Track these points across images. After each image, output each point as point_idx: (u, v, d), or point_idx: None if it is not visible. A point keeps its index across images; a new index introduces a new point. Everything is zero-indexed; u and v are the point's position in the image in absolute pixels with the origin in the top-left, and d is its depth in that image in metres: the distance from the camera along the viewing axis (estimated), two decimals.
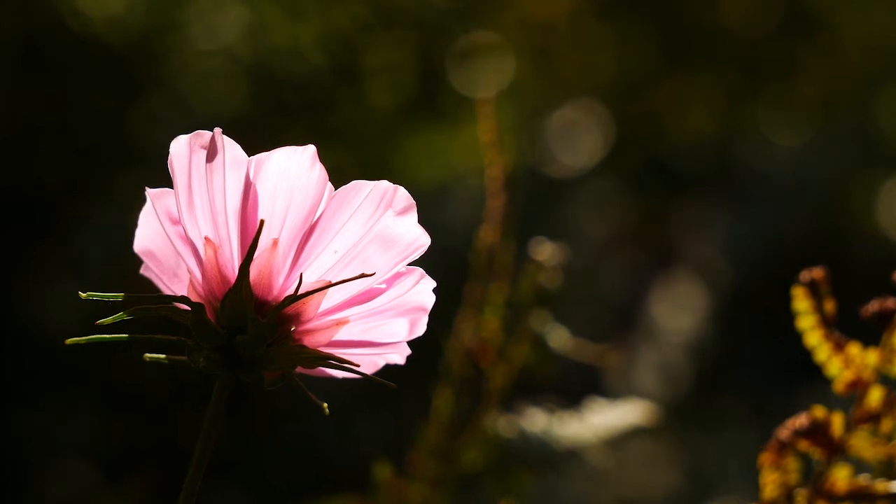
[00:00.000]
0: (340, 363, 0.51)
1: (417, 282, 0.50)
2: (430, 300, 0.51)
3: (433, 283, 0.51)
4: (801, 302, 0.63)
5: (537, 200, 2.09)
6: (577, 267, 2.03)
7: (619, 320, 2.01)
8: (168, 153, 0.50)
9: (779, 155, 2.20)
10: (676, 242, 2.13)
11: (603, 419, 0.82)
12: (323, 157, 0.50)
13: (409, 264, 0.51)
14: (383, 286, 0.50)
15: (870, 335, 0.63)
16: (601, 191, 2.19)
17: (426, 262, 0.51)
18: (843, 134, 2.22)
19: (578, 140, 2.19)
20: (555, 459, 0.79)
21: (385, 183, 0.50)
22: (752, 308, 1.88)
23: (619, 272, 2.14)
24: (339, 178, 0.51)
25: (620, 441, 0.81)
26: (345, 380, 0.53)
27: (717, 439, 1.82)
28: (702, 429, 1.88)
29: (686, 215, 2.17)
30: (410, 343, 0.52)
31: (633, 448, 1.81)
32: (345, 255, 0.50)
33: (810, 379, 0.64)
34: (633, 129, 2.24)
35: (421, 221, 0.50)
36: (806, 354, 0.64)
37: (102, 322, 0.50)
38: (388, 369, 0.54)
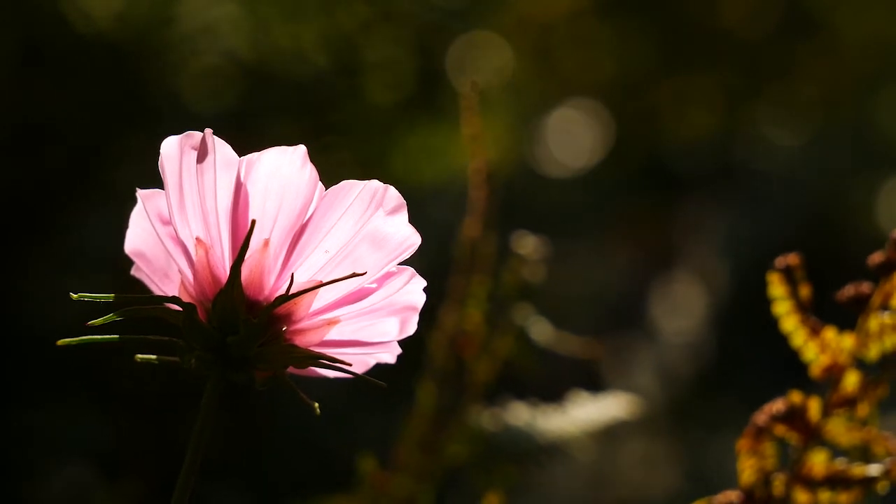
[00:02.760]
0: (332, 363, 0.50)
1: (408, 281, 0.50)
2: (420, 299, 0.51)
3: (424, 283, 0.51)
4: (776, 288, 0.63)
5: (536, 199, 2.09)
6: (575, 266, 2.03)
7: (619, 321, 2.02)
8: None
9: (779, 155, 2.20)
10: (676, 242, 2.13)
11: (586, 412, 0.82)
12: (322, 155, 0.50)
13: (401, 263, 0.51)
14: (374, 286, 0.50)
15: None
16: (600, 190, 2.19)
17: (424, 261, 0.51)
18: (843, 134, 2.22)
19: (578, 139, 2.19)
20: (539, 453, 0.79)
21: (375, 182, 0.50)
22: (752, 308, 1.87)
23: (619, 272, 2.13)
24: (338, 176, 0.51)
25: (610, 435, 0.81)
26: (337, 379, 0.53)
27: (717, 439, 1.82)
28: (701, 429, 1.87)
29: (685, 215, 2.17)
30: (403, 341, 0.52)
31: (633, 448, 1.81)
32: (336, 254, 0.50)
33: (809, 378, 0.64)
34: (633, 129, 2.24)
35: (419, 220, 0.50)
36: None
37: (93, 323, 0.50)
38: (383, 366, 0.54)
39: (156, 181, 0.52)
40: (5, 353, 1.65)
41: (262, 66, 1.87)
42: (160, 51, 1.82)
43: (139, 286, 0.55)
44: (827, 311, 0.65)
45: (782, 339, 0.64)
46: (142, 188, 0.52)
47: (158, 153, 0.50)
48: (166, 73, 1.81)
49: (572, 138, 2.19)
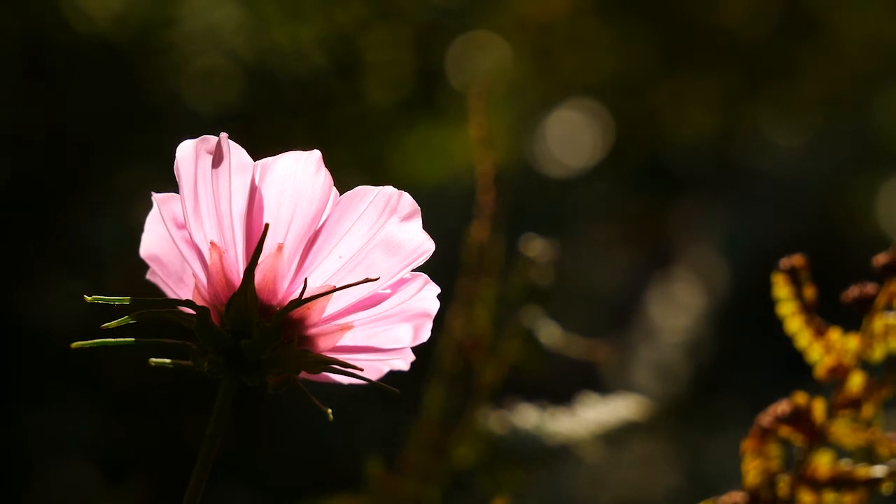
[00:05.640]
0: (344, 368, 0.51)
1: (422, 287, 0.50)
2: (434, 306, 0.51)
3: (437, 289, 0.51)
4: (781, 288, 0.63)
5: (536, 200, 2.10)
6: (575, 266, 2.03)
7: (617, 319, 2.02)
8: (170, 151, 0.50)
9: (778, 155, 2.20)
10: (675, 242, 2.14)
11: (595, 414, 0.82)
12: (322, 155, 0.50)
13: (414, 270, 0.51)
14: (388, 291, 0.50)
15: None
16: (600, 190, 2.19)
17: (426, 262, 0.51)
18: (843, 134, 2.22)
19: (578, 140, 2.19)
20: (547, 455, 0.79)
21: (390, 189, 0.50)
22: (750, 307, 1.88)
23: (618, 271, 2.14)
24: (337, 176, 0.51)
25: (613, 436, 0.81)
26: (350, 385, 0.53)
27: (716, 439, 1.82)
28: (700, 428, 1.88)
29: (685, 215, 2.17)
30: (415, 345, 0.52)
31: (632, 448, 1.81)
32: (349, 260, 0.50)
33: (809, 378, 0.65)
34: (633, 129, 2.24)
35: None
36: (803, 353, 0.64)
37: (107, 326, 0.50)
38: (392, 370, 0.54)
39: (158, 181, 0.52)
40: (7, 352, 1.65)
41: (262, 66, 1.88)
42: (160, 51, 1.82)
43: (147, 287, 0.55)
44: (827, 310, 0.65)
45: (781, 338, 0.65)
46: (144, 189, 0.52)
47: (159, 153, 0.50)
48: (167, 73, 1.81)
49: (572, 138, 2.19)
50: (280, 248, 0.50)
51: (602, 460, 1.77)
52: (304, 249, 0.50)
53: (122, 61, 1.78)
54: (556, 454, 0.78)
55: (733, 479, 0.67)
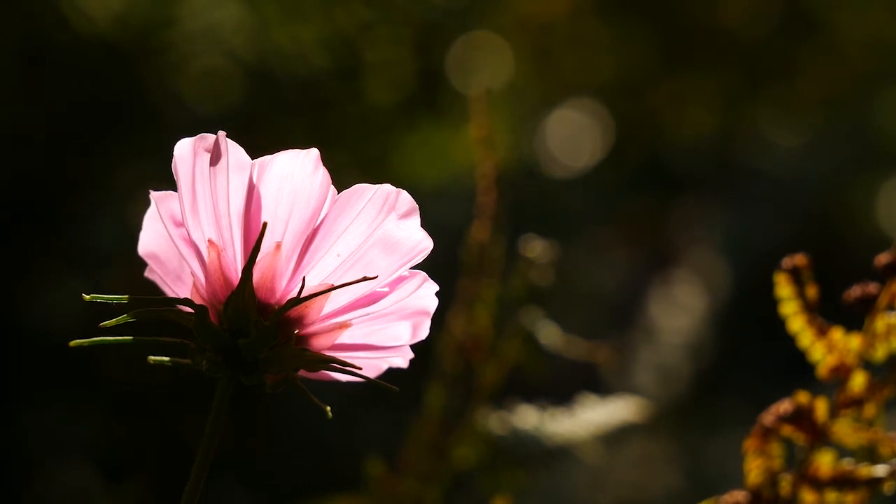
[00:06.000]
0: (343, 366, 0.51)
1: (420, 285, 0.50)
2: (432, 304, 0.51)
3: (436, 287, 0.51)
4: (783, 288, 0.63)
5: (536, 200, 2.10)
6: (575, 266, 2.03)
7: (618, 320, 2.02)
8: (169, 150, 0.50)
9: (778, 155, 2.20)
10: (675, 242, 2.13)
11: (595, 416, 0.82)
12: (321, 155, 0.50)
13: (413, 268, 0.51)
14: (386, 290, 0.50)
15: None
16: (600, 191, 2.19)
17: (425, 262, 0.51)
18: (843, 134, 2.22)
19: (578, 140, 2.19)
20: (546, 456, 0.79)
21: (388, 187, 0.50)
22: (751, 308, 1.87)
23: (618, 272, 2.14)
24: (337, 176, 0.51)
25: (613, 438, 0.81)
26: (349, 383, 0.53)
27: (717, 439, 1.82)
28: (701, 429, 1.88)
29: (685, 215, 2.17)
30: (413, 344, 0.52)
31: (632, 448, 1.81)
32: (347, 258, 0.50)
33: (810, 378, 0.65)
34: (633, 129, 2.24)
35: (420, 220, 0.50)
36: (804, 353, 0.64)
37: (106, 324, 0.50)
38: (391, 368, 0.54)
39: (157, 181, 0.52)
40: (7, 351, 1.65)
41: (263, 66, 1.88)
42: (160, 51, 1.82)
43: (147, 286, 0.55)
44: (827, 310, 0.65)
45: (781, 338, 0.65)
46: (144, 188, 0.52)
47: (159, 153, 0.50)
48: (167, 73, 1.81)
49: (572, 138, 2.19)
50: (278, 246, 0.50)
51: (602, 460, 1.77)
52: (302, 248, 0.50)
53: (122, 61, 1.78)
54: (555, 455, 0.78)
55: (733, 479, 0.67)
